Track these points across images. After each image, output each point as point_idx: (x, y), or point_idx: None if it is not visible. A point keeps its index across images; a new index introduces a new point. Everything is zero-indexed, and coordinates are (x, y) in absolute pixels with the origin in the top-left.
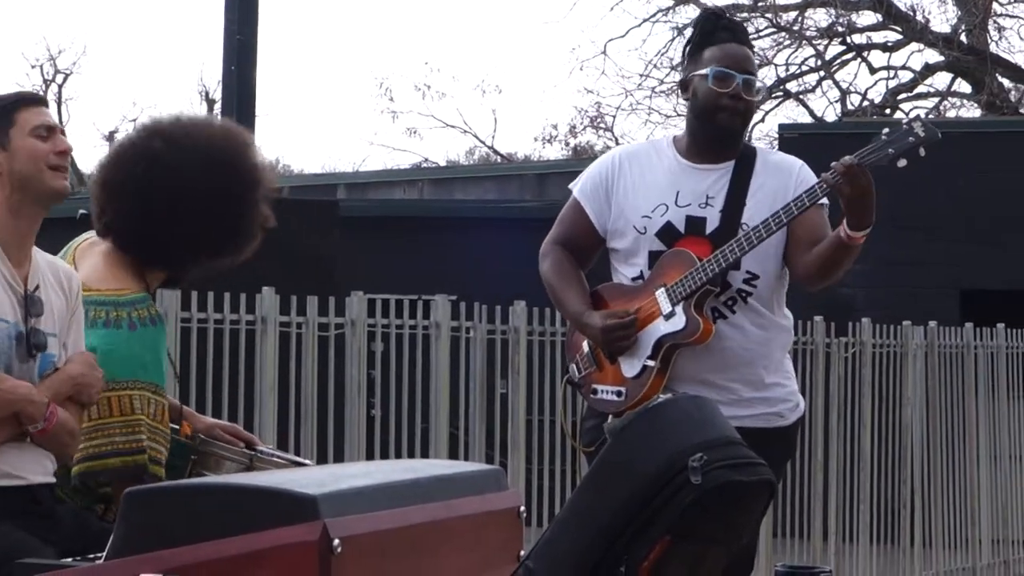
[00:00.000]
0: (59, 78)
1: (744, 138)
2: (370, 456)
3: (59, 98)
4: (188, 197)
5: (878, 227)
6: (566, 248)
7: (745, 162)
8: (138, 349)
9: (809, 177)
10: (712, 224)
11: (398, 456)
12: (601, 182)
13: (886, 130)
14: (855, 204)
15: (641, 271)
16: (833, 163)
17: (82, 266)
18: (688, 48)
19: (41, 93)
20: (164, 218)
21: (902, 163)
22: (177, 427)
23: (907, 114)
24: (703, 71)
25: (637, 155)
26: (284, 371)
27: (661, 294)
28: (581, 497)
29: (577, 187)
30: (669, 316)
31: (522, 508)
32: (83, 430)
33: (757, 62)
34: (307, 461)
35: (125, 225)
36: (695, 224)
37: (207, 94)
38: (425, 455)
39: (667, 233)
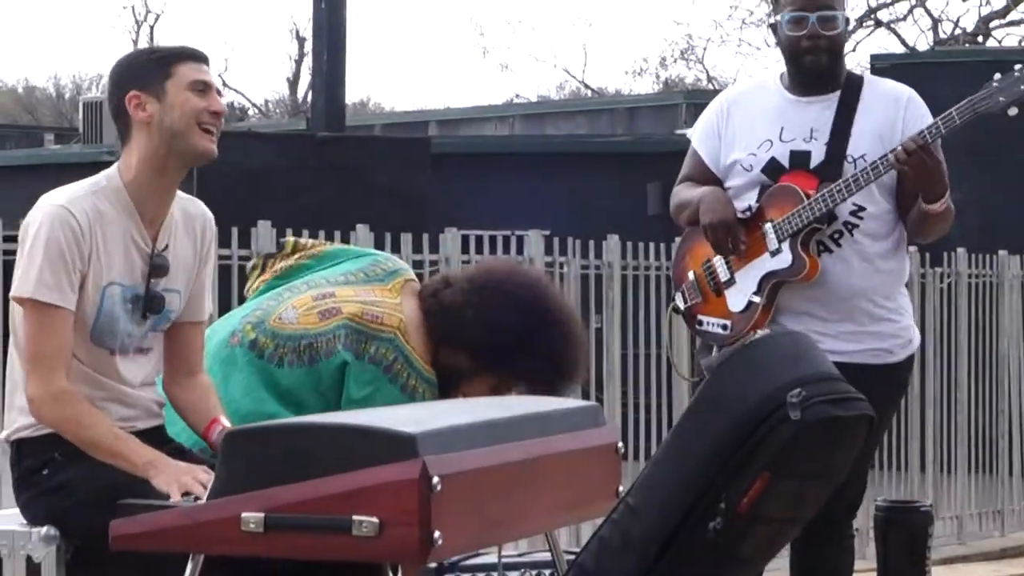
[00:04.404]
0: (151, 18)
1: (842, 68)
2: None
3: (151, 38)
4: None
5: (974, 155)
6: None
7: (851, 93)
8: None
9: (918, 108)
10: (817, 158)
11: None
12: (712, 126)
13: (997, 76)
14: (918, 184)
15: (750, 205)
16: (902, 143)
17: (405, 301)
18: None
19: (200, 51)
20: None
21: (1013, 111)
22: None
23: (1000, 41)
24: (781, 16)
25: (744, 94)
26: None
27: (768, 230)
28: (680, 434)
29: (693, 134)
30: (776, 253)
31: (619, 444)
32: None
33: None
34: None
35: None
36: (799, 158)
37: (298, 32)
38: None
39: (772, 168)
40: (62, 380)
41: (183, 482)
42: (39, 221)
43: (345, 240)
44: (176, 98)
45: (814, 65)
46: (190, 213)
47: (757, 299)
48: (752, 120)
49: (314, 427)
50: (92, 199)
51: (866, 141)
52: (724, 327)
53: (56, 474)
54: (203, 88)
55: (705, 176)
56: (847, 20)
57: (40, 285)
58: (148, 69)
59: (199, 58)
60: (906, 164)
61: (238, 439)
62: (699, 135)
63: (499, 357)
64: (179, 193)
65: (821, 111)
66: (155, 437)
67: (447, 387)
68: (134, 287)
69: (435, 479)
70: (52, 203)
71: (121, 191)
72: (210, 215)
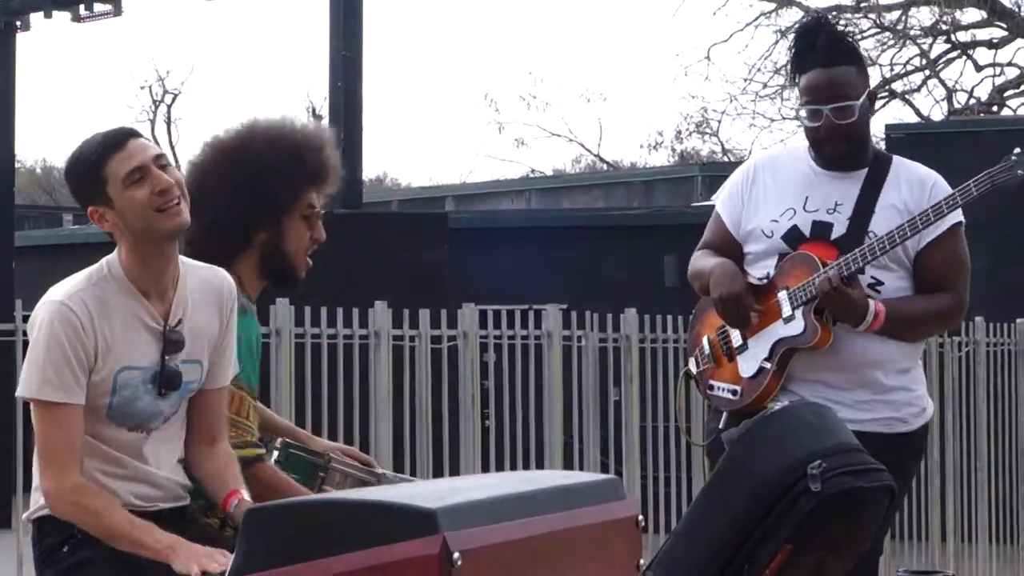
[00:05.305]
0: (168, 98)
1: (867, 148)
2: (485, 466)
3: (168, 118)
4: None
5: (989, 227)
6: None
7: (878, 172)
8: None
9: (942, 194)
10: (839, 230)
11: (513, 466)
12: (737, 191)
13: (1017, 149)
14: (834, 314)
15: (768, 272)
16: (825, 273)
17: None
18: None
19: (127, 125)
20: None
21: None
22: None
23: (1015, 111)
24: (800, 106)
25: (772, 162)
26: (398, 384)
27: (783, 297)
28: (701, 506)
29: (718, 197)
30: (788, 320)
31: (640, 517)
32: None
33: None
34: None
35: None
36: (821, 229)
37: (314, 110)
38: (540, 464)
39: (793, 237)
40: (75, 475)
41: (202, 563)
42: (40, 320)
43: (364, 316)
44: (120, 201)
45: (833, 153)
46: (208, 281)
47: (768, 365)
48: (778, 187)
49: (334, 503)
50: (92, 290)
51: (889, 220)
52: (734, 392)
53: (76, 551)
54: (139, 176)
55: (725, 241)
56: (872, 96)
57: (44, 385)
58: (87, 184)
59: (120, 142)
60: (824, 299)
61: (258, 516)
62: (723, 198)
63: (259, 205)
64: (196, 264)
65: (847, 186)
66: (178, 518)
67: (289, 258)
68: (152, 366)
69: (455, 555)
70: (51, 300)
71: (121, 276)
72: (230, 280)
